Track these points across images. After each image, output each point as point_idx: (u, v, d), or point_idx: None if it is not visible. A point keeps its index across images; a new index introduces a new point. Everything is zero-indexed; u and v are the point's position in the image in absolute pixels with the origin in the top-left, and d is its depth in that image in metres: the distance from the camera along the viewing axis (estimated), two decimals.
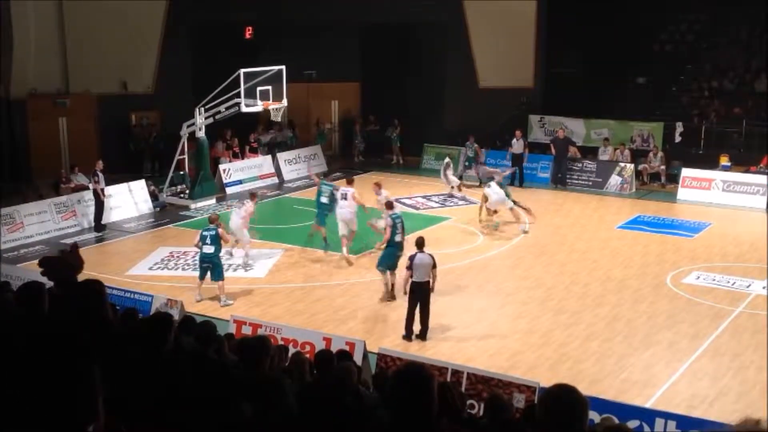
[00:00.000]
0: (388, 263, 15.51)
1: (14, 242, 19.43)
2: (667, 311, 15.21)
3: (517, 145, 25.87)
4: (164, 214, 22.41)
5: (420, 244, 13.88)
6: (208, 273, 15.59)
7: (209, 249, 15.40)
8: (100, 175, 20.84)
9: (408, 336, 13.76)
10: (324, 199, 18.52)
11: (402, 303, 15.55)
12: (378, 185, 18.71)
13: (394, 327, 14.46)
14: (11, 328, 4.52)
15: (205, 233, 15.49)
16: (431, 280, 13.75)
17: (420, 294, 13.66)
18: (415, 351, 13.03)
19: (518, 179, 25.66)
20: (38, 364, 3.40)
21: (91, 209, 21.05)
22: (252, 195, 18.66)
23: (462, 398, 8.89)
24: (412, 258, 13.70)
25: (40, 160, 24.83)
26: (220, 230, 15.54)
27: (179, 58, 27.18)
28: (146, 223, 21.71)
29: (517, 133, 26.13)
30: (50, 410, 3.15)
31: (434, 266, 13.72)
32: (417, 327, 13.77)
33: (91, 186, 21.09)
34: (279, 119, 24.63)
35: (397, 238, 15.51)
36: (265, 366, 5.85)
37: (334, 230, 18.06)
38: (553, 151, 25.91)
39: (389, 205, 16.26)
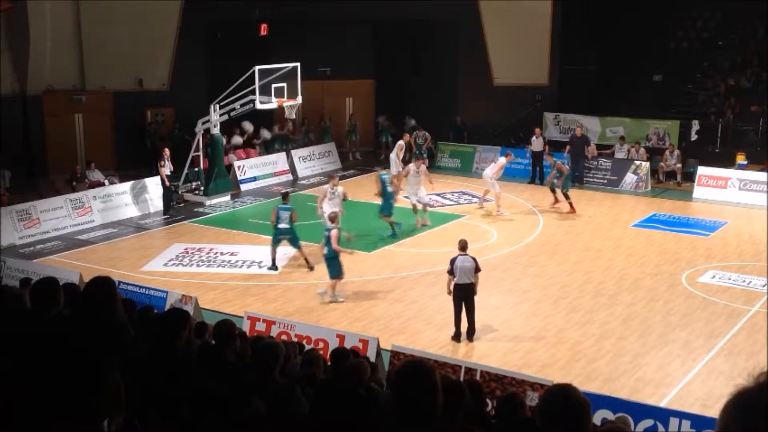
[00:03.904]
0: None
1: (30, 238, 19.58)
2: (682, 310, 15.14)
3: (536, 143, 25.81)
4: (179, 211, 22.49)
5: (463, 247, 13.74)
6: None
7: (324, 250, 15.49)
8: (107, 182, 21.19)
9: (456, 337, 13.69)
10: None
11: (408, 303, 15.60)
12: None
13: (407, 325, 14.48)
14: (26, 324, 4.55)
15: (324, 232, 15.56)
16: (474, 283, 13.60)
17: (462, 296, 13.58)
18: (429, 349, 13.01)
19: (538, 177, 25.58)
20: (49, 360, 3.42)
21: (105, 205, 21.33)
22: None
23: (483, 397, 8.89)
24: (453, 261, 13.56)
25: (55, 156, 25.01)
26: (332, 233, 15.40)
27: (194, 55, 27.31)
28: (161, 220, 21.80)
29: (537, 131, 26.06)
30: (63, 404, 3.17)
31: (477, 270, 13.52)
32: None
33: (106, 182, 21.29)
34: (293, 116, 24.70)
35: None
36: (276, 371, 5.84)
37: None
38: (567, 149, 25.79)
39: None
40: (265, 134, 27.83)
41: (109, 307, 4.56)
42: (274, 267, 17.38)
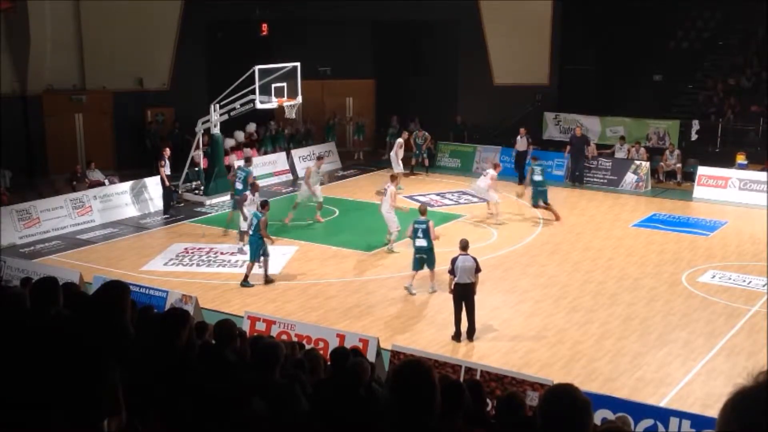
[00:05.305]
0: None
1: (30, 237, 19.58)
2: (682, 310, 15.14)
3: (520, 143, 25.83)
4: (179, 210, 22.48)
5: (464, 246, 13.83)
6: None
7: (422, 242, 15.64)
8: (107, 182, 21.32)
9: (456, 336, 13.69)
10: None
11: (412, 302, 15.60)
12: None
13: (408, 324, 14.48)
14: (26, 324, 4.55)
15: (416, 226, 15.71)
16: (475, 283, 13.66)
17: (462, 295, 13.60)
18: (429, 348, 13.02)
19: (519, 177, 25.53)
20: (49, 359, 3.42)
21: (105, 204, 21.36)
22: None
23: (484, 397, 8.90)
24: (454, 260, 13.62)
25: (55, 156, 25.00)
26: (430, 224, 15.64)
27: (194, 55, 27.32)
28: (161, 219, 21.79)
29: (522, 130, 26.09)
30: (63, 404, 3.17)
31: (478, 270, 13.58)
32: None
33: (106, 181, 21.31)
34: (293, 116, 24.71)
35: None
36: (276, 371, 5.84)
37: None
38: (567, 149, 25.80)
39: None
40: (250, 128, 27.78)
41: (118, 313, 4.56)
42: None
